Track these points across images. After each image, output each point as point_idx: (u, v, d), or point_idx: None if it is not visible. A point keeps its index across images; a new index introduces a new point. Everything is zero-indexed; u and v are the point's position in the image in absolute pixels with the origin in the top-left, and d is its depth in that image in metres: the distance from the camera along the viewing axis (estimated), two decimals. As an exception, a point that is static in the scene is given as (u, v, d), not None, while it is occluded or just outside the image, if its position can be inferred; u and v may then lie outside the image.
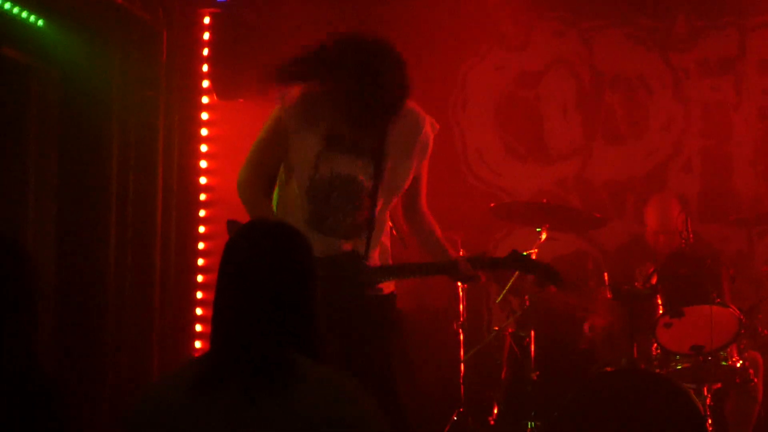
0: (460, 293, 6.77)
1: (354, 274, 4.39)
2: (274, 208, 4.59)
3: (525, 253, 4.63)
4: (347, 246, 4.45)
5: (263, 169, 4.56)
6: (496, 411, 6.63)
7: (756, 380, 6.20)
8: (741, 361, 6.09)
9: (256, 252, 3.02)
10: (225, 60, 7.38)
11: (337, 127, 4.38)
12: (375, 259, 4.54)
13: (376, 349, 4.44)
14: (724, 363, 6.05)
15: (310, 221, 4.43)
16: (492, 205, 6.96)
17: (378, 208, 4.49)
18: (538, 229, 6.53)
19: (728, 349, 6.06)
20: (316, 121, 4.40)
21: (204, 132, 7.66)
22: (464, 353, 6.71)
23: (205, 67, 7.55)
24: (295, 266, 3.03)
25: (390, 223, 4.71)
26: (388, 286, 4.59)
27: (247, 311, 2.96)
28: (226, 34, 7.39)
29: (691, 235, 6.22)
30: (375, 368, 4.35)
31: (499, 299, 6.70)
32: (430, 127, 4.56)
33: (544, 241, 6.51)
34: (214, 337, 3.01)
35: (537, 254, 6.39)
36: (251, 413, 2.85)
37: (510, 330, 6.68)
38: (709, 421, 5.86)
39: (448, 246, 4.71)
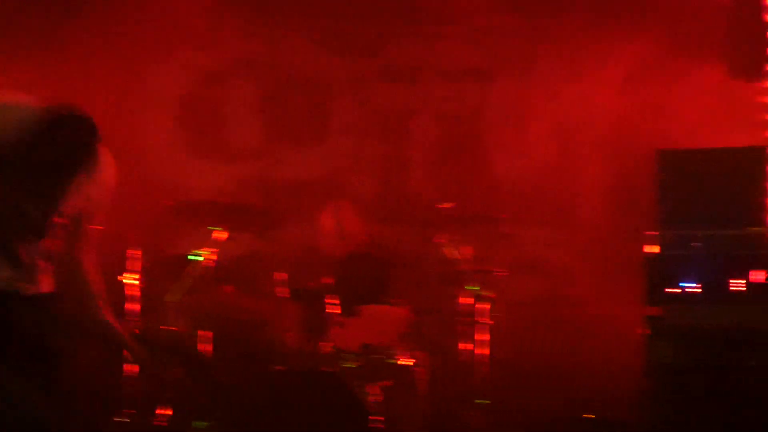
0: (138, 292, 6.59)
1: None
2: None
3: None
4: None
5: None
6: (166, 412, 6.49)
7: (422, 378, 6.33)
8: (408, 360, 6.21)
9: None
10: None
11: None
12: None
13: None
14: (391, 361, 6.17)
15: None
16: (168, 203, 6.83)
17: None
18: (214, 229, 6.46)
19: (396, 348, 6.19)
20: None
21: None
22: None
23: None
24: None
25: None
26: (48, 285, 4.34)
27: None
28: None
29: (366, 237, 6.34)
30: None
31: (171, 297, 6.54)
32: None
33: (222, 241, 6.46)
34: None
35: (217, 254, 6.35)
36: None
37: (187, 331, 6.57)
38: (382, 418, 5.95)
39: None
